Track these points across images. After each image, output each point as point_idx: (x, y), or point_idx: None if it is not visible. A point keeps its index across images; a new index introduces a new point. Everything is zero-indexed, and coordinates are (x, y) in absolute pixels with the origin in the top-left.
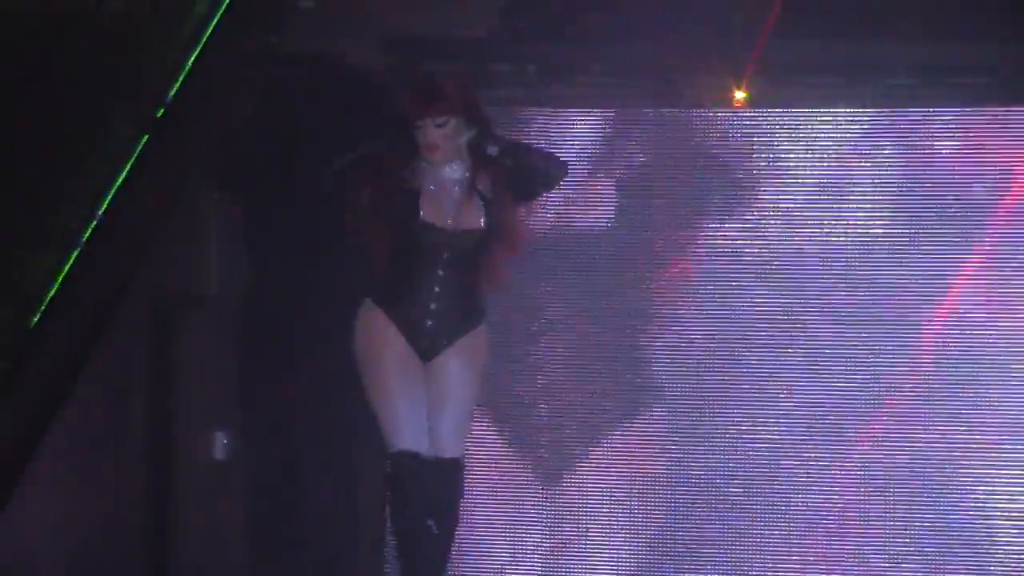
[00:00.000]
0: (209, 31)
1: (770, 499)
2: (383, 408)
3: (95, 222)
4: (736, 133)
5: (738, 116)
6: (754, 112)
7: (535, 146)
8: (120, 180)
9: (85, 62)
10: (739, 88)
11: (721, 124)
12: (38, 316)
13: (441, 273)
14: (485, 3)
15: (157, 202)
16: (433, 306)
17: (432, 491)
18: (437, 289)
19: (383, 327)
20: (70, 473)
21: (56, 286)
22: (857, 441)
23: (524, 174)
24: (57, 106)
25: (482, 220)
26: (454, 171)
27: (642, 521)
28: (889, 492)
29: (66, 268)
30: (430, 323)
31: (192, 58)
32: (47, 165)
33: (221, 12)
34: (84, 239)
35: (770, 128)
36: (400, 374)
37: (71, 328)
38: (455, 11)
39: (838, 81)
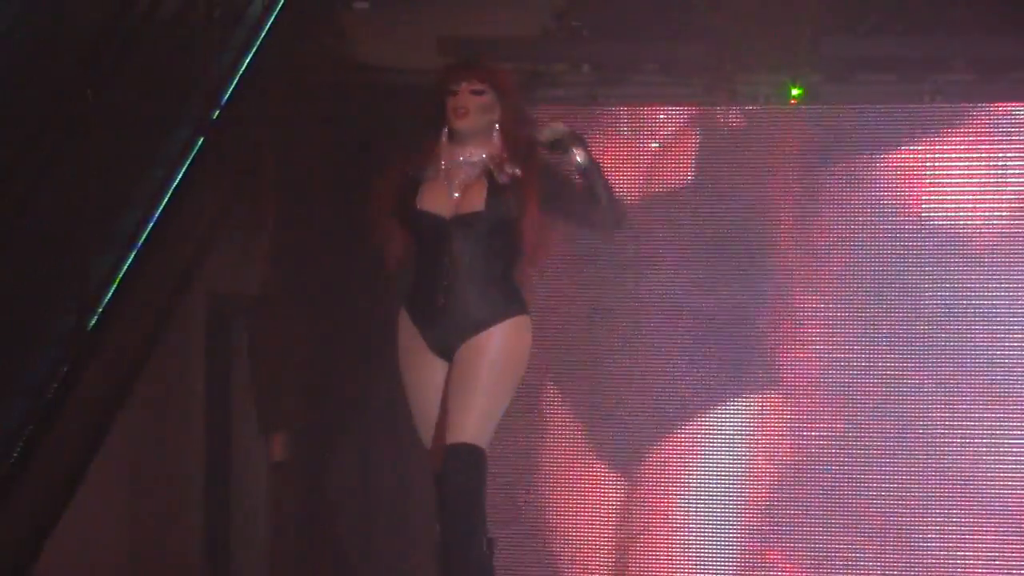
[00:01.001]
0: (263, 33)
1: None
2: (413, 413)
3: (152, 224)
4: (791, 130)
5: (793, 113)
6: (808, 108)
7: (609, 181)
8: (176, 182)
9: (141, 65)
10: (794, 85)
11: (776, 121)
12: (96, 318)
13: (448, 263)
14: (540, 3)
15: (213, 204)
16: (443, 300)
17: (448, 484)
18: (446, 282)
19: (407, 330)
20: (131, 473)
21: (114, 288)
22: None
23: (590, 200)
24: (114, 110)
25: (488, 205)
26: (471, 157)
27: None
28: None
29: (123, 270)
30: (443, 319)
31: (247, 60)
32: (104, 169)
33: (275, 14)
34: (141, 241)
35: (825, 124)
36: (420, 379)
37: (129, 330)
38: (509, 11)
39: (891, 77)
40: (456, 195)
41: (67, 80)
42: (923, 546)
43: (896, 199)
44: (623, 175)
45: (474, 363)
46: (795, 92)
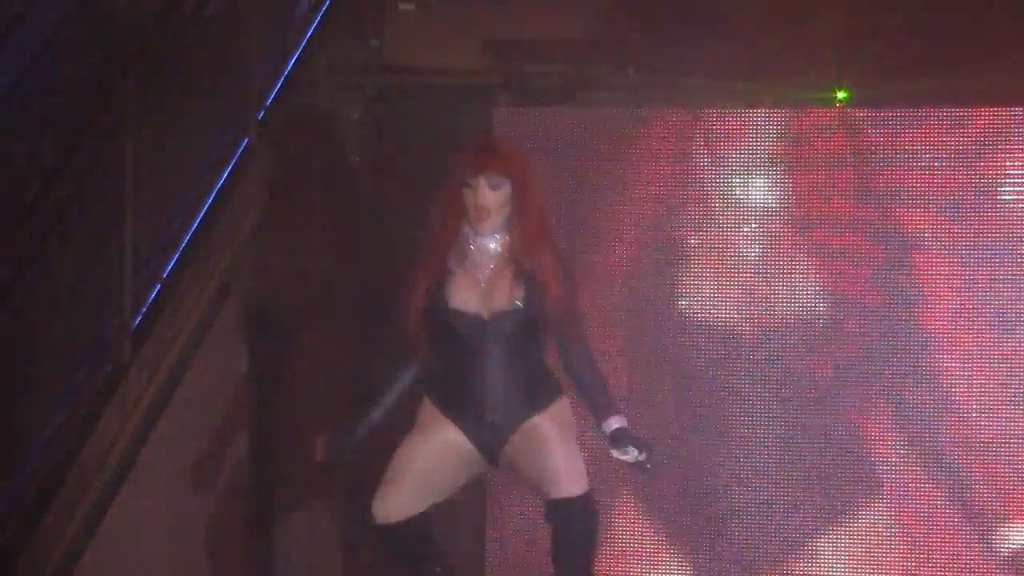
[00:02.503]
0: (309, 34)
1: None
2: (397, 475)
3: (197, 224)
4: (835, 132)
5: (837, 115)
6: (853, 112)
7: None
8: (221, 183)
9: (186, 66)
10: (839, 88)
11: (820, 123)
12: (140, 318)
13: (488, 361)
14: (584, 5)
15: (258, 204)
16: (488, 399)
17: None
18: (488, 379)
19: (433, 417)
20: (174, 474)
21: (158, 288)
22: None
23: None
24: (159, 111)
25: (519, 300)
26: (491, 242)
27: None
28: None
29: (168, 270)
30: (485, 414)
31: (292, 61)
32: (149, 169)
33: (321, 16)
34: (186, 242)
35: (869, 127)
36: (434, 460)
37: (174, 330)
38: (554, 13)
39: (935, 80)
40: (487, 293)
41: (112, 81)
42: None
43: (942, 200)
44: (667, 177)
45: (539, 441)
46: (840, 95)
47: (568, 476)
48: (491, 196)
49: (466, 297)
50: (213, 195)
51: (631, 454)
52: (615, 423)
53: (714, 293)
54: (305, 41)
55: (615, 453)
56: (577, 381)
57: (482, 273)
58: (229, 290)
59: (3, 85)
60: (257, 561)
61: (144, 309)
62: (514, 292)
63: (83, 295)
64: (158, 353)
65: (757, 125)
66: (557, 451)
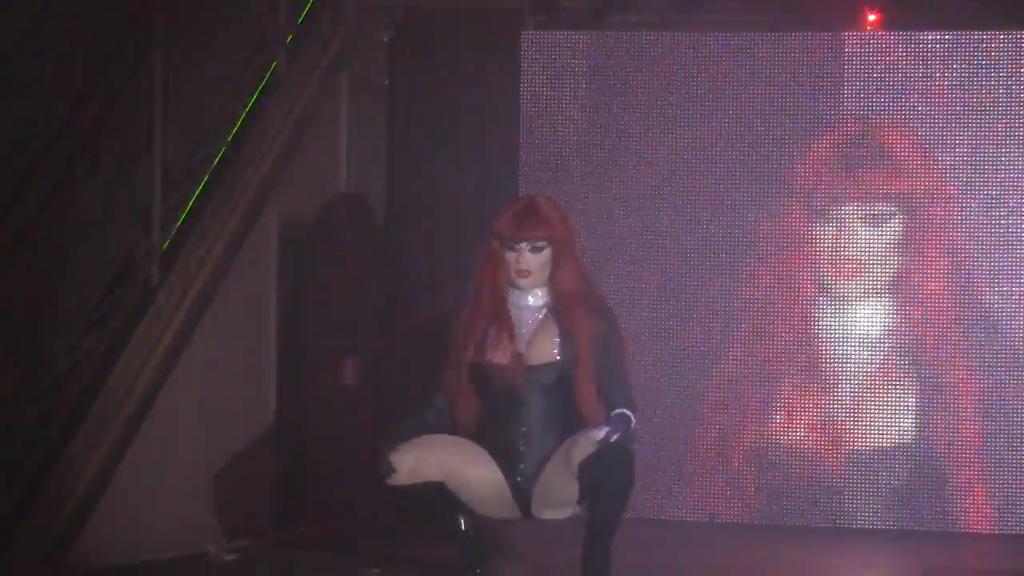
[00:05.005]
0: None
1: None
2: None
3: (225, 148)
4: (867, 56)
5: (870, 39)
6: (886, 34)
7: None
8: (249, 106)
9: None
10: (871, 10)
11: (851, 47)
12: (169, 242)
13: (523, 412)
14: None
15: (285, 128)
16: (523, 448)
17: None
18: (524, 429)
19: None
20: (202, 397)
21: (186, 213)
22: None
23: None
24: (186, 36)
25: (556, 351)
26: (531, 297)
27: None
28: None
29: (196, 195)
30: (522, 462)
31: None
32: (178, 94)
33: None
34: (214, 166)
35: (901, 51)
36: (482, 476)
37: (202, 255)
38: None
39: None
40: (523, 346)
41: (142, 3)
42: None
43: (977, 127)
44: (697, 102)
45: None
46: (871, 17)
47: (592, 435)
48: (533, 259)
49: (504, 350)
50: (241, 119)
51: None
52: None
53: (749, 216)
54: None
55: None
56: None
57: (520, 328)
58: (257, 214)
59: (33, 9)
60: (283, 487)
61: (172, 233)
62: (551, 346)
63: (112, 219)
64: (186, 277)
65: (789, 49)
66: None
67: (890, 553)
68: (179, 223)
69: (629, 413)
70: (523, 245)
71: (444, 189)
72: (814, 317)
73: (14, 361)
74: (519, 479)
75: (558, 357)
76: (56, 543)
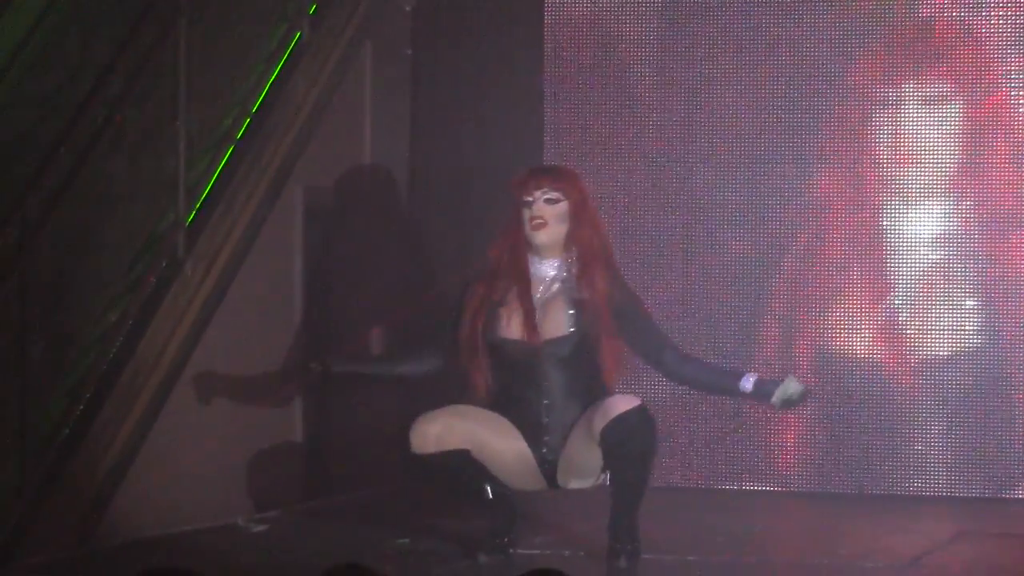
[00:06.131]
0: None
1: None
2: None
3: (249, 119)
4: None
5: None
6: None
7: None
8: (273, 76)
9: None
10: None
11: None
12: (194, 213)
13: (544, 386)
14: None
15: (310, 98)
16: (546, 420)
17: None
18: (545, 401)
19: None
20: (232, 366)
21: (212, 183)
22: None
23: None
24: (211, 5)
25: (569, 325)
26: (549, 269)
27: None
28: None
29: (221, 165)
30: (547, 434)
31: None
32: (203, 64)
33: None
34: (238, 136)
35: None
36: (503, 445)
37: (227, 225)
38: None
39: None
40: (538, 320)
41: None
42: None
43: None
44: (725, 48)
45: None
46: None
47: (613, 402)
48: (548, 209)
49: (517, 324)
50: (266, 89)
51: (792, 389)
52: (750, 379)
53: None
54: None
55: (778, 401)
56: (689, 380)
57: (536, 300)
58: (283, 184)
59: None
60: (311, 458)
61: (198, 205)
62: (564, 319)
63: (137, 190)
64: (212, 248)
65: None
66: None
67: (917, 517)
68: (204, 195)
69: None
70: (537, 194)
71: (468, 158)
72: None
73: (42, 333)
74: (544, 451)
75: (572, 330)
76: (85, 515)
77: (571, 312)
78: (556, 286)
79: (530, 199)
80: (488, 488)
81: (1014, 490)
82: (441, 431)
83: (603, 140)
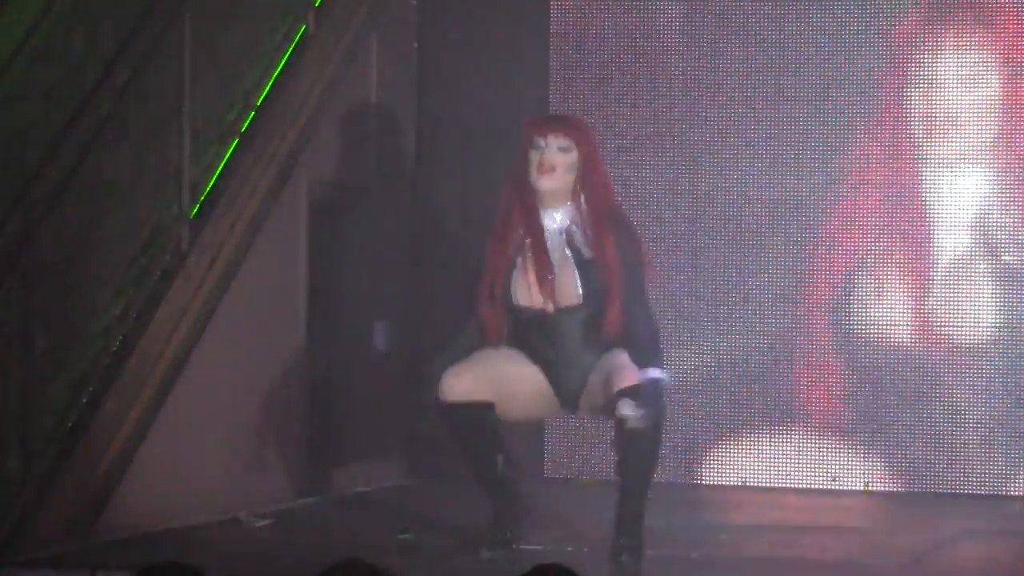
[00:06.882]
0: None
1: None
2: (471, 359)
3: (255, 112)
4: None
5: None
6: None
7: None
8: (278, 70)
9: None
10: None
11: None
12: (198, 206)
13: (560, 345)
14: None
15: (315, 91)
16: (564, 370)
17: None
18: (561, 356)
19: (526, 359)
20: (233, 359)
21: (216, 176)
22: None
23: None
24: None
25: (579, 292)
26: (555, 220)
27: None
28: None
29: (226, 158)
30: (562, 382)
31: None
32: (207, 56)
33: None
34: (244, 128)
35: None
36: (518, 372)
37: (232, 217)
38: None
39: None
40: (549, 284)
41: None
42: None
43: None
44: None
45: (608, 357)
46: None
47: (626, 373)
48: (559, 157)
49: (531, 291)
50: (271, 82)
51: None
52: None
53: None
54: None
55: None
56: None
57: (549, 263)
58: (287, 177)
59: None
60: (316, 448)
61: (202, 198)
62: (574, 287)
63: (141, 183)
64: (216, 241)
65: None
66: (624, 356)
67: (921, 515)
68: (209, 188)
69: (660, 374)
70: (550, 139)
71: (474, 153)
72: None
73: (46, 325)
74: (562, 388)
75: (581, 300)
76: (88, 508)
77: (584, 278)
78: (564, 240)
79: (543, 143)
80: (499, 459)
81: (1017, 486)
82: (471, 383)
83: (611, 129)
